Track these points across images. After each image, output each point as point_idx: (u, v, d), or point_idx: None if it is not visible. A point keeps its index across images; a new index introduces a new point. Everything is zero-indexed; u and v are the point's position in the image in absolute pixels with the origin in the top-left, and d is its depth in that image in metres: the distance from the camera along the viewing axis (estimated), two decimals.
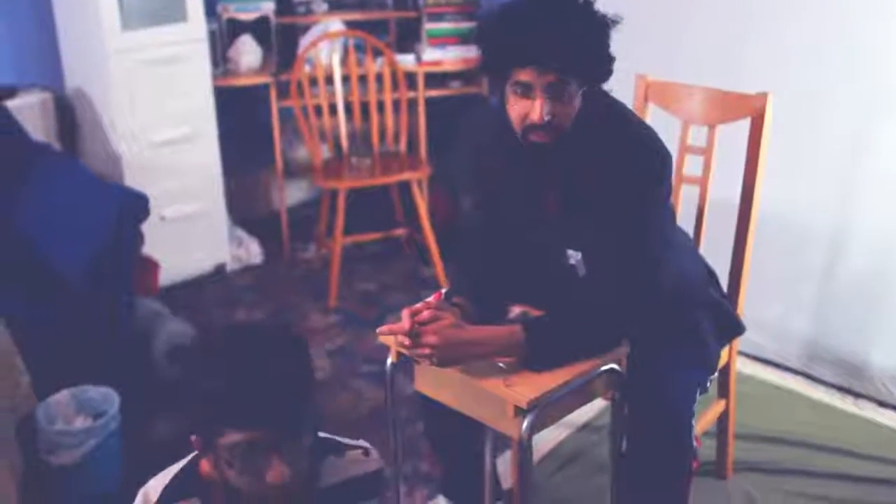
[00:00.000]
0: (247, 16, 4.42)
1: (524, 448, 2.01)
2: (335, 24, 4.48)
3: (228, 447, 1.52)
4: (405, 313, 2.04)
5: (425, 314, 2.02)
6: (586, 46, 1.96)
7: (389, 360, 2.24)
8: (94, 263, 3.15)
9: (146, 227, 3.44)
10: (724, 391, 2.76)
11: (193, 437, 1.59)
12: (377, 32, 4.52)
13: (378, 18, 4.74)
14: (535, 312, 2.23)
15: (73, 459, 2.78)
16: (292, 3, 4.58)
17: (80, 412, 2.91)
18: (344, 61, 4.27)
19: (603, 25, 1.99)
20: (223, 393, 1.51)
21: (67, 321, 3.12)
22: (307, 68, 4.21)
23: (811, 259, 3.36)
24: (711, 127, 2.65)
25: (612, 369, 2.11)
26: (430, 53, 4.51)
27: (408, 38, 4.74)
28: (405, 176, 4.11)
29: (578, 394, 2.12)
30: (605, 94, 2.13)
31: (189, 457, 1.71)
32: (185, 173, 4.09)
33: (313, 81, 4.24)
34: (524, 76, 1.97)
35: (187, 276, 4.23)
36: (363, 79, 4.31)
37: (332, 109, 4.25)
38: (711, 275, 2.46)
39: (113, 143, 3.91)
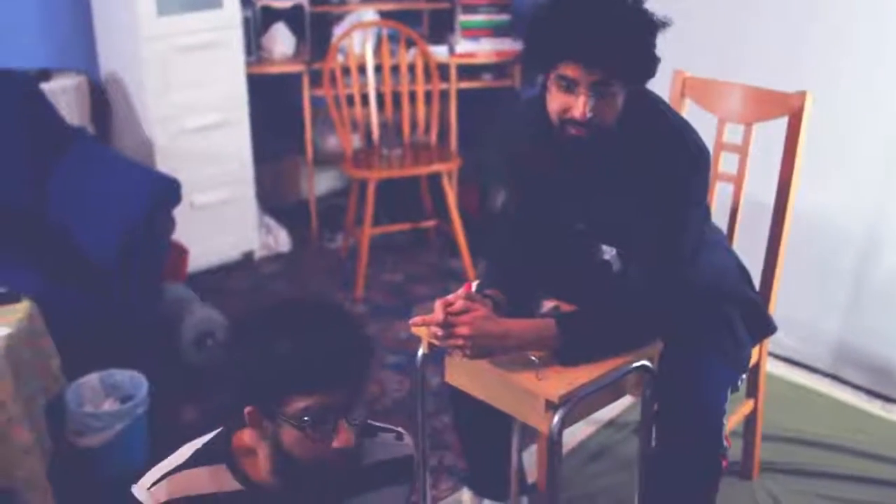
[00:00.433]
0: (281, 4, 4.42)
1: (554, 443, 2.00)
2: (369, 13, 4.48)
3: (296, 414, 1.52)
4: (438, 304, 2.04)
5: (458, 304, 2.02)
6: (635, 49, 1.95)
7: (421, 351, 2.24)
8: (125, 248, 3.17)
9: (176, 213, 3.45)
10: (752, 391, 2.74)
11: (248, 409, 1.57)
12: (410, 23, 4.51)
13: (411, 9, 4.73)
14: (566, 307, 2.23)
15: (101, 442, 2.79)
16: None
17: (108, 395, 2.93)
18: (377, 51, 4.27)
19: (652, 27, 1.97)
20: (294, 358, 1.51)
21: (97, 305, 3.14)
22: (340, 58, 4.21)
23: (843, 261, 3.33)
24: (748, 125, 2.63)
25: (643, 366, 2.11)
26: (463, 45, 4.50)
27: (441, 29, 4.73)
28: (435, 168, 4.10)
29: (609, 390, 2.12)
30: (645, 90, 2.12)
31: (216, 430, 1.73)
32: (216, 160, 4.10)
33: (346, 71, 4.24)
34: (570, 71, 1.95)
35: (215, 262, 4.24)
36: (395, 69, 4.30)
37: (364, 99, 4.25)
38: (744, 273, 2.44)
39: (145, 128, 3.93)
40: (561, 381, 1.99)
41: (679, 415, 2.17)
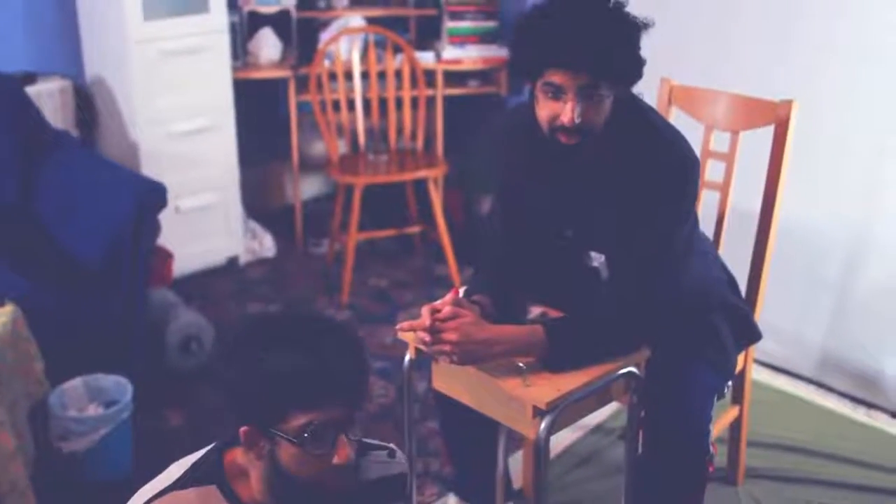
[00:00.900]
0: (268, 9, 4.42)
1: (541, 449, 2.00)
2: (356, 19, 4.48)
3: (296, 430, 1.49)
4: (425, 310, 2.04)
5: (446, 311, 2.02)
6: (619, 50, 1.96)
7: (407, 357, 2.24)
8: (110, 252, 3.16)
9: (161, 218, 3.44)
10: (738, 397, 2.75)
11: (244, 429, 1.53)
12: (397, 29, 4.52)
13: (399, 15, 4.74)
14: (554, 313, 2.23)
15: (85, 446, 2.78)
16: None
17: (92, 400, 2.92)
18: (363, 57, 4.27)
19: (635, 28, 1.98)
20: (294, 373, 1.48)
21: (82, 309, 3.13)
22: (326, 63, 4.21)
23: (829, 269, 3.35)
24: (734, 133, 2.64)
25: (630, 372, 2.11)
26: (450, 52, 4.51)
27: (428, 35, 4.74)
28: (421, 173, 4.10)
29: (596, 396, 2.12)
30: (634, 97, 2.13)
31: (208, 447, 1.69)
32: (201, 164, 4.09)
33: (332, 76, 4.23)
34: (556, 78, 1.96)
35: (200, 267, 4.23)
36: (382, 75, 4.30)
37: (350, 105, 4.25)
38: (731, 280, 2.45)
39: (131, 132, 3.91)
40: (548, 388, 1.99)
41: (665, 421, 2.18)
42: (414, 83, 4.27)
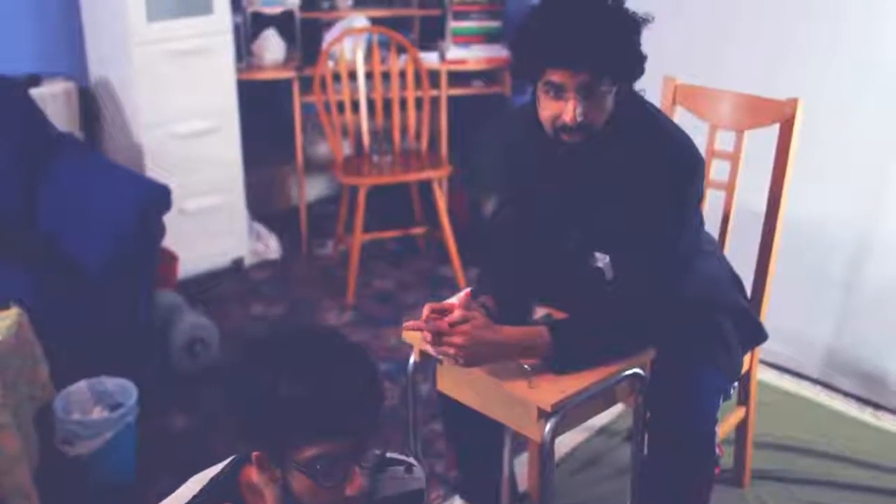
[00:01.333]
0: (271, 10, 4.41)
1: (546, 451, 1.99)
2: (360, 20, 4.47)
3: (307, 461, 1.44)
4: (427, 310, 2.03)
5: (456, 314, 2.01)
6: (618, 45, 1.96)
7: (412, 359, 2.23)
8: (114, 255, 3.16)
9: (166, 220, 3.44)
10: (744, 398, 2.74)
11: (256, 454, 1.49)
12: (401, 29, 4.51)
13: (403, 15, 4.73)
14: (558, 314, 2.23)
15: (90, 450, 2.78)
16: None
17: (97, 403, 2.91)
18: (368, 58, 4.26)
19: (633, 24, 1.98)
20: (304, 407, 1.41)
21: (87, 312, 3.12)
22: (330, 64, 4.20)
23: (835, 269, 3.33)
24: (739, 132, 2.63)
25: (635, 374, 2.10)
26: (454, 52, 4.49)
27: (432, 35, 4.72)
28: (426, 174, 4.09)
29: (601, 398, 2.11)
30: (638, 97, 2.12)
31: (227, 461, 1.64)
32: (206, 166, 4.09)
33: (336, 77, 4.23)
34: (556, 77, 1.96)
35: (205, 269, 4.22)
36: (386, 76, 4.29)
37: (355, 106, 4.24)
38: (736, 281, 2.44)
39: (135, 134, 3.91)
40: (553, 390, 1.98)
41: (671, 422, 2.17)
42: (418, 83, 4.26)
